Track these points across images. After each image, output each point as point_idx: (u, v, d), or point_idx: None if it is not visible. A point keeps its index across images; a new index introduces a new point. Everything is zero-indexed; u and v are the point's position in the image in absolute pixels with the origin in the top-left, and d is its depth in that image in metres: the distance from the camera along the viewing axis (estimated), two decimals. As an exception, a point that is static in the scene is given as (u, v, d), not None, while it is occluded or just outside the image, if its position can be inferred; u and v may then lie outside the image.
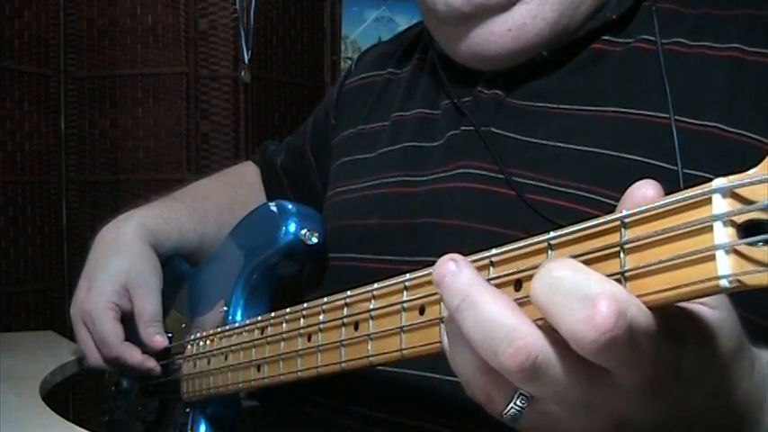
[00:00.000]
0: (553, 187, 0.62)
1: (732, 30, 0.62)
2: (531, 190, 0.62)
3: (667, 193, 0.33)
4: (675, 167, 0.58)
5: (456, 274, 0.36)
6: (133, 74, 2.36)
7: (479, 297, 0.35)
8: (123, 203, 0.90)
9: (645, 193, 0.36)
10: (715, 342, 0.37)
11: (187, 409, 0.78)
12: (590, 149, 0.62)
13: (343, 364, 0.51)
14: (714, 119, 0.59)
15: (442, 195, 0.67)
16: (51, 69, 2.34)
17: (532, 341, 0.34)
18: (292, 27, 2.60)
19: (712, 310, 0.37)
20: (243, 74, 2.36)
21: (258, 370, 0.63)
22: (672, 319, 0.35)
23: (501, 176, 0.64)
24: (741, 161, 0.58)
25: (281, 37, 2.55)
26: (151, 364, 0.81)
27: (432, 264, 0.64)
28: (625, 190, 0.59)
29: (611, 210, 0.61)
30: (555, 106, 0.66)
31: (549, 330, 0.34)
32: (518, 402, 0.36)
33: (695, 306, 0.36)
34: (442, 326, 0.41)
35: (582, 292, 0.32)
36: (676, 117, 0.59)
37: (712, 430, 0.40)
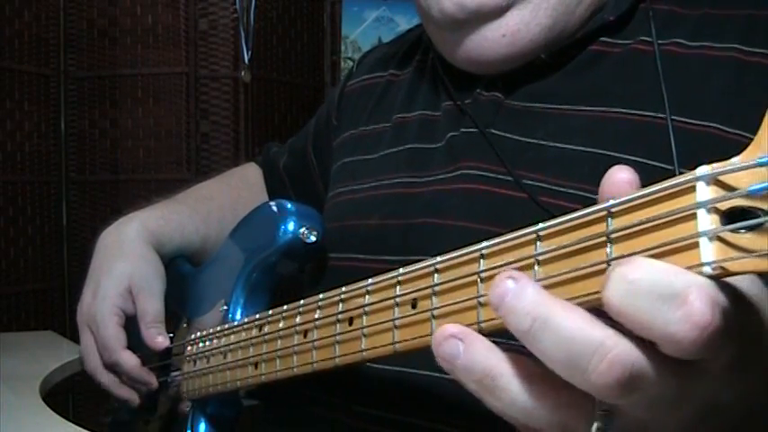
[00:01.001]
0: (554, 187, 0.62)
1: (731, 30, 0.62)
2: (530, 190, 0.63)
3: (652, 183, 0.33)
4: (674, 168, 0.58)
5: (519, 293, 0.33)
6: (133, 74, 2.36)
7: (553, 314, 0.32)
8: (123, 203, 0.90)
9: (620, 177, 0.35)
10: (762, 305, 0.36)
11: (188, 409, 0.78)
12: (589, 150, 0.62)
13: (337, 360, 0.51)
14: (713, 119, 0.59)
15: (442, 196, 0.67)
16: (51, 69, 2.35)
17: (624, 351, 0.31)
18: (292, 27, 2.61)
19: (745, 284, 0.35)
20: (243, 74, 2.37)
21: (255, 367, 0.63)
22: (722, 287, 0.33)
23: (501, 177, 0.65)
24: None
25: (281, 37, 2.55)
26: (148, 377, 0.81)
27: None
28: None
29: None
30: (554, 107, 0.66)
31: (630, 334, 0.32)
32: (600, 425, 0.33)
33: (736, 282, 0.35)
34: (473, 384, 0.36)
35: (667, 289, 0.30)
36: (675, 117, 0.59)
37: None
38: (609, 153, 0.61)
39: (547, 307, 0.32)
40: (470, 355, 0.34)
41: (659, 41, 0.63)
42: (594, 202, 0.59)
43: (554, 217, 0.37)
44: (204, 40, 2.36)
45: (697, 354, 0.30)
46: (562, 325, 0.31)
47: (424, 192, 0.69)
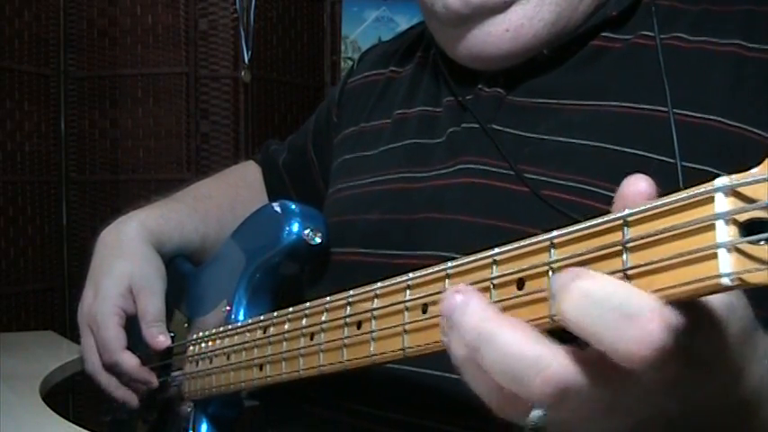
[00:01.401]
0: (555, 180, 0.62)
1: (732, 25, 0.62)
2: (532, 184, 0.63)
3: (668, 192, 0.33)
4: (675, 161, 0.58)
5: (464, 308, 0.35)
6: (133, 74, 2.36)
7: (495, 331, 0.34)
8: (123, 203, 0.90)
9: (638, 188, 0.35)
10: (725, 326, 0.36)
11: (189, 409, 0.78)
12: (591, 143, 0.62)
13: (346, 363, 0.51)
14: (715, 113, 0.60)
15: (443, 191, 0.67)
16: (51, 69, 2.34)
17: (559, 367, 0.33)
18: (292, 27, 2.60)
19: (721, 296, 0.36)
20: (243, 74, 2.37)
21: (260, 369, 0.63)
22: (685, 309, 0.34)
23: (502, 171, 0.65)
24: (741, 155, 0.58)
25: (281, 37, 2.55)
26: (149, 376, 0.81)
27: (432, 258, 0.64)
28: None
29: (612, 202, 0.61)
30: (555, 102, 0.66)
31: (571, 350, 0.33)
32: (537, 414, 0.35)
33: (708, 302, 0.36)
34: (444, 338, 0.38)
35: (624, 307, 0.31)
36: (677, 111, 0.60)
37: (727, 417, 0.40)
38: (610, 147, 0.61)
39: (491, 322, 0.34)
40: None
41: (661, 36, 0.63)
42: (597, 195, 0.60)
43: (567, 224, 0.37)
44: (204, 40, 2.36)
45: (641, 369, 0.31)
46: (503, 340, 0.33)
47: (425, 186, 0.69)
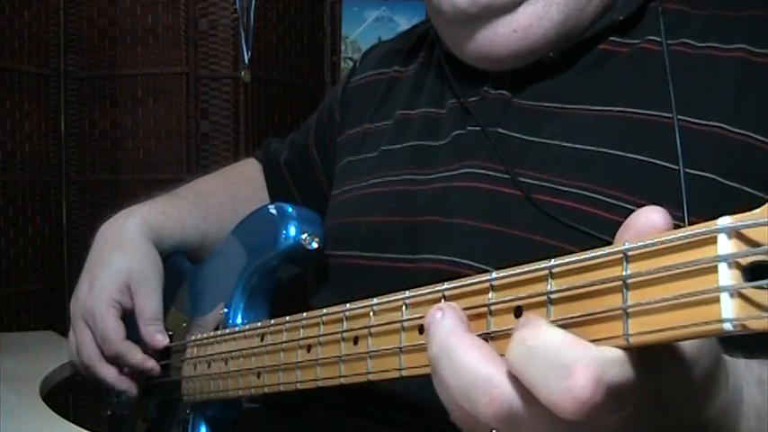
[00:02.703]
0: (558, 187, 0.62)
1: (739, 31, 0.62)
2: (536, 189, 0.62)
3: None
4: (678, 167, 0.58)
5: (439, 322, 0.37)
6: (133, 74, 2.36)
7: (456, 346, 0.35)
8: (123, 203, 0.89)
9: (653, 220, 0.34)
10: (693, 366, 0.37)
11: (187, 410, 0.78)
12: (595, 149, 0.62)
13: (342, 380, 0.51)
14: (719, 119, 0.59)
15: (446, 194, 0.67)
16: (51, 69, 2.35)
17: (507, 390, 0.34)
18: (292, 27, 2.61)
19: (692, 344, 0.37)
20: (243, 74, 2.37)
21: (258, 377, 0.62)
22: (650, 352, 0.34)
23: (506, 176, 0.64)
24: (745, 162, 0.58)
25: (281, 37, 2.55)
26: (151, 364, 0.81)
27: (434, 261, 0.64)
28: (630, 189, 0.59)
29: (616, 210, 0.60)
30: (561, 106, 0.66)
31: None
32: None
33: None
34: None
35: (558, 360, 0.32)
36: (681, 117, 0.59)
37: None
38: (614, 152, 0.61)
39: (455, 338, 0.36)
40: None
41: (668, 41, 0.63)
42: (600, 202, 0.59)
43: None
44: (204, 40, 2.36)
45: (578, 421, 0.32)
46: (461, 357, 0.35)
47: (428, 189, 0.69)
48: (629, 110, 0.62)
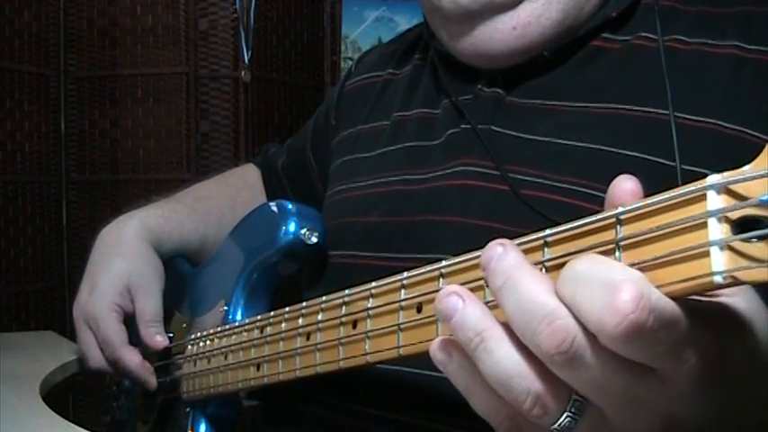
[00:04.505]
0: (551, 183, 0.62)
1: (730, 27, 0.62)
2: (529, 186, 0.63)
3: (663, 190, 0.33)
4: (674, 163, 0.58)
5: (502, 256, 0.36)
6: (133, 74, 2.36)
7: (522, 278, 0.35)
8: (123, 203, 0.90)
9: (624, 187, 0.36)
10: (751, 332, 0.37)
11: (187, 409, 0.78)
12: (588, 146, 0.62)
13: (341, 363, 0.51)
14: (713, 115, 0.60)
15: (440, 193, 0.67)
16: (51, 69, 2.35)
17: (571, 323, 0.33)
18: (292, 27, 2.61)
19: (740, 301, 0.37)
20: (243, 74, 2.37)
21: (257, 369, 0.63)
22: (702, 312, 0.34)
23: (497, 173, 0.65)
24: (739, 158, 0.58)
25: (281, 37, 2.55)
26: (147, 374, 0.81)
27: (431, 260, 0.64)
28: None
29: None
30: (554, 103, 0.66)
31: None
32: (572, 410, 0.36)
33: (722, 300, 0.36)
34: (453, 369, 0.40)
35: (603, 280, 0.32)
36: (676, 113, 0.59)
37: (759, 414, 0.40)
38: (609, 149, 0.61)
39: (521, 271, 0.35)
40: (467, 311, 0.37)
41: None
42: (594, 198, 0.60)
43: (558, 223, 0.37)
44: (204, 40, 2.36)
45: (624, 344, 0.32)
46: (527, 288, 0.35)
47: (423, 188, 0.69)
48: (622, 106, 0.63)
